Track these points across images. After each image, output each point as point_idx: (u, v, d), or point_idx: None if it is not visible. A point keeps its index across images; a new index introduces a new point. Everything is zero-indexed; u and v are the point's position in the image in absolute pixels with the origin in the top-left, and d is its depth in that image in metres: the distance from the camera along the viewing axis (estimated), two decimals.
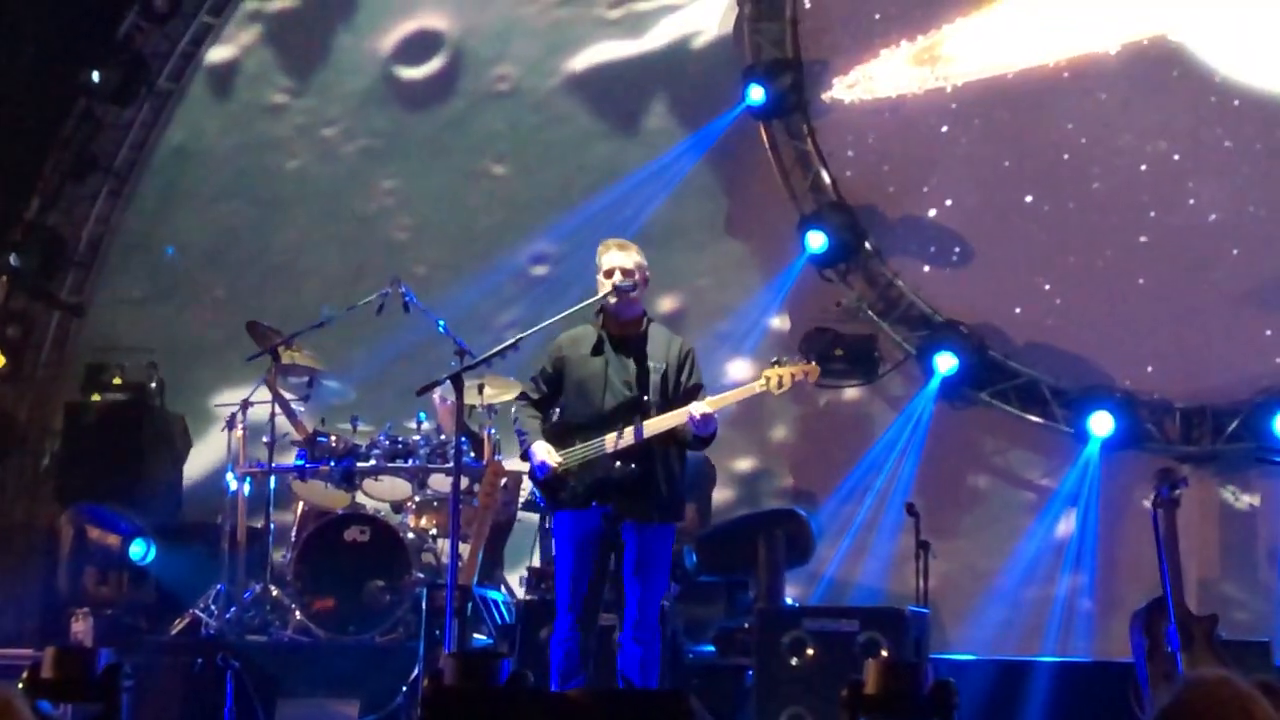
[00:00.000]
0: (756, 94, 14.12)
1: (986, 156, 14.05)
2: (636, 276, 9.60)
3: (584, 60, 14.92)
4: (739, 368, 13.56)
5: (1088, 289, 13.86)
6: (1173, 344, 13.79)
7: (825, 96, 14.31)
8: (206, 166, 15.20)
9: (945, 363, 13.82)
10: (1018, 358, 14.03)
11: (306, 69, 15.33)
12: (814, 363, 9.83)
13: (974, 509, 14.03)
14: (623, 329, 9.66)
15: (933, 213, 14.12)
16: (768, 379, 9.60)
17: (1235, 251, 13.59)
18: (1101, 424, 13.58)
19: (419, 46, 15.14)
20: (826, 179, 14.26)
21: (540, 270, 14.50)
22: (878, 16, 14.22)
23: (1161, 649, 10.71)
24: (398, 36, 15.22)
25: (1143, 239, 13.77)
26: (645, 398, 9.53)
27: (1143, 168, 13.75)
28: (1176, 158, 13.72)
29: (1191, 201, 13.67)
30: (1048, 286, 13.95)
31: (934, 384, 13.91)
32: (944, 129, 14.10)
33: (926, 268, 14.22)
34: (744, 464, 13.94)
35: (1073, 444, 13.75)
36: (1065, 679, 11.61)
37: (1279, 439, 12.94)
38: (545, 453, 9.52)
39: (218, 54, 15.45)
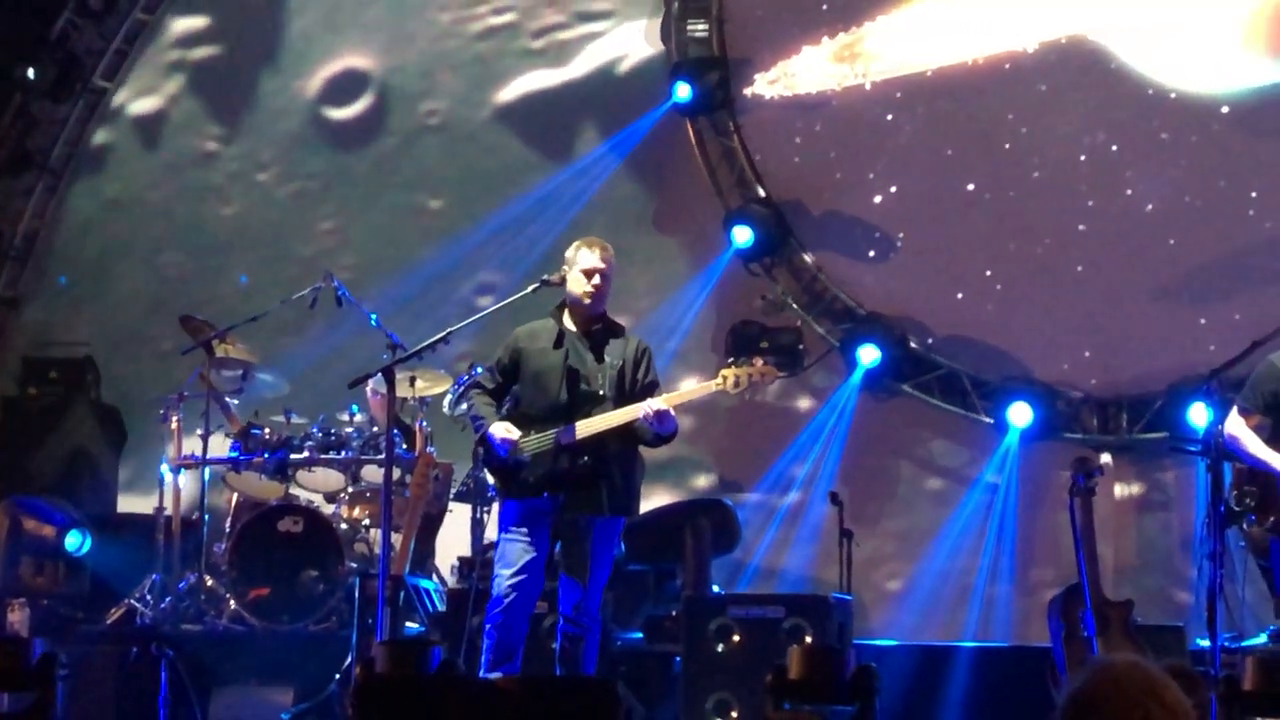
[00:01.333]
0: (683, 91, 14.14)
1: (922, 148, 14.06)
2: (610, 277, 9.64)
3: (511, 91, 14.85)
4: (666, 360, 13.55)
5: (1023, 279, 13.91)
6: (1092, 336, 13.86)
7: (749, 93, 14.33)
8: (143, 219, 14.97)
9: (868, 355, 13.88)
10: (940, 350, 14.09)
11: (234, 115, 15.19)
12: (770, 364, 9.84)
13: (896, 498, 14.08)
14: (584, 324, 9.67)
15: (877, 199, 14.10)
16: (725, 378, 9.60)
17: (1171, 242, 13.64)
18: (1020, 414, 13.66)
19: (345, 87, 15.02)
20: (751, 175, 14.28)
21: (487, 300, 14.32)
22: (800, 14, 14.23)
23: (1078, 634, 10.75)
24: (323, 78, 15.10)
25: (1081, 228, 13.81)
26: (601, 392, 9.54)
27: (1081, 158, 13.81)
28: (1115, 149, 13.79)
29: (1129, 191, 13.74)
30: (989, 272, 13.97)
31: (857, 376, 13.96)
32: (883, 119, 14.09)
33: (850, 262, 14.26)
34: (671, 454, 13.92)
35: (992, 434, 13.82)
36: (984, 663, 11.64)
37: (1193, 429, 12.98)
38: (505, 430, 9.48)
39: (143, 106, 15.29)
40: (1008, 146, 13.89)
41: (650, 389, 9.56)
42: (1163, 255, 13.70)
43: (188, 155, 15.22)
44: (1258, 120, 13.50)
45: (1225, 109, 13.50)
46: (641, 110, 14.44)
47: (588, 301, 9.58)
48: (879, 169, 14.15)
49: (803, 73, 14.20)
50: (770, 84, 14.28)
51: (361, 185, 14.78)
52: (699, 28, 14.34)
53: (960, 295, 14.06)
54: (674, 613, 11.84)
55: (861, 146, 14.21)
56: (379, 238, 14.78)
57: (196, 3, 15.35)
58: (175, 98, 15.35)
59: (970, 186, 14.01)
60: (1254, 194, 13.50)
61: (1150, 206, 13.69)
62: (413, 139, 14.98)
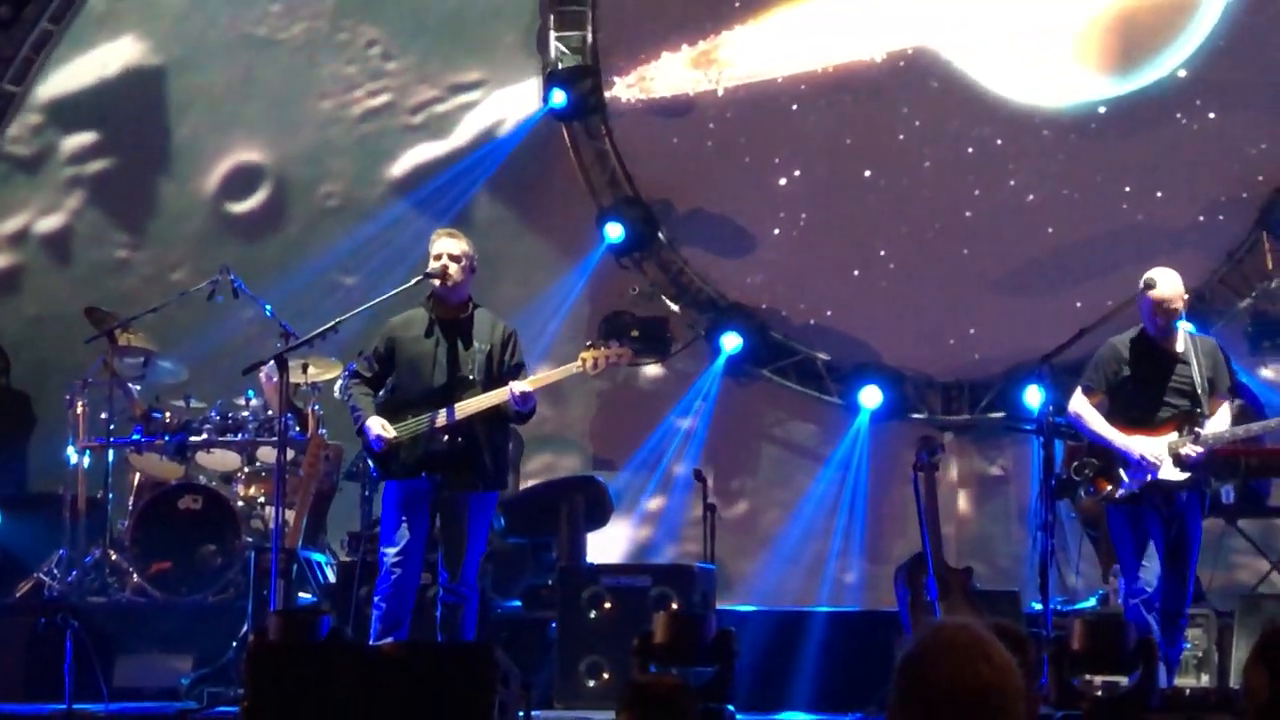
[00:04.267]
0: (558, 97, 14.14)
1: (822, 141, 14.14)
2: (464, 263, 9.63)
3: (401, 166, 14.65)
4: (545, 347, 13.53)
5: (885, 272, 14.04)
6: (936, 324, 13.99)
7: (618, 98, 14.32)
8: (64, 335, 14.11)
9: (730, 342, 13.94)
10: (797, 338, 14.16)
11: (139, 221, 14.81)
12: (625, 346, 9.88)
13: (756, 475, 14.15)
14: (451, 313, 9.67)
15: (778, 182, 14.16)
16: (584, 360, 9.66)
17: (1050, 229, 13.81)
18: (870, 397, 13.77)
19: (241, 181, 14.69)
20: (622, 175, 14.30)
21: None
22: (664, 24, 14.25)
23: (922, 599, 10.85)
24: (218, 176, 14.76)
25: (969, 213, 13.97)
26: (471, 376, 9.55)
27: (969, 150, 13.93)
28: (999, 142, 13.90)
29: (1012, 183, 13.89)
30: (856, 271, 14.05)
31: (720, 362, 14.03)
32: (755, 120, 14.15)
33: (715, 256, 14.30)
34: (548, 434, 13.93)
35: (845, 415, 13.92)
36: (837, 627, 11.71)
37: (1028, 410, 13.13)
38: (380, 427, 9.51)
39: (48, 225, 14.89)
40: (902, 137, 13.96)
41: (517, 371, 9.61)
42: (991, 250, 13.85)
43: (101, 266, 14.75)
44: (1089, 129, 13.71)
45: (1102, 110, 13.70)
46: (528, 165, 14.37)
47: (437, 282, 9.59)
48: (754, 165, 14.18)
49: (662, 78, 14.23)
50: (629, 88, 14.30)
51: (274, 271, 14.15)
52: (572, 37, 14.32)
53: (821, 285, 14.14)
54: (550, 582, 11.88)
55: (731, 146, 14.23)
56: (298, 320, 14.01)
57: (84, 119, 14.91)
58: (78, 212, 14.93)
59: (867, 173, 14.06)
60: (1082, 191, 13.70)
61: (1030, 198, 13.83)
62: (316, 222, 14.69)
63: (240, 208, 14.82)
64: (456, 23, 14.58)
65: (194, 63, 14.81)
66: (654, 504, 13.81)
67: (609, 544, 13.36)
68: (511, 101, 14.50)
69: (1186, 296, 9.70)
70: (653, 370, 14.26)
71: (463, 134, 14.54)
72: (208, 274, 13.23)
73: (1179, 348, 9.64)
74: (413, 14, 14.63)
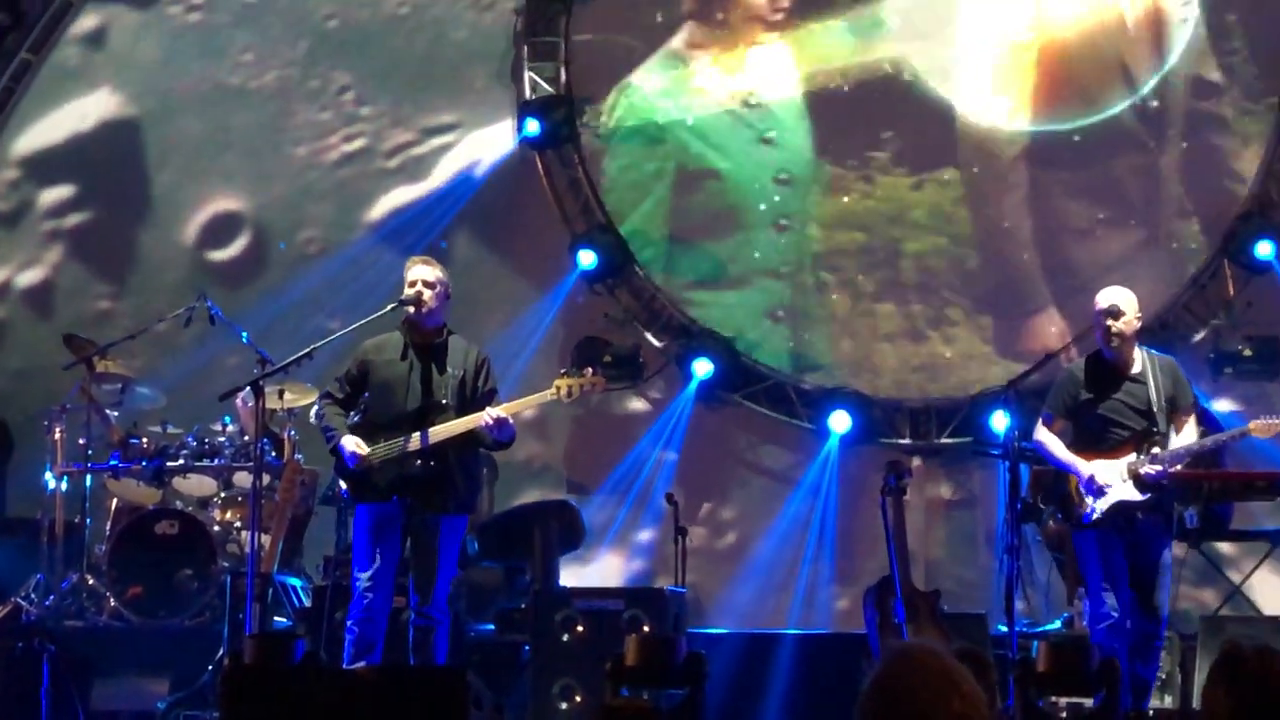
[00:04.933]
0: (532, 126, 14.13)
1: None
2: (438, 289, 9.62)
3: (379, 209, 14.55)
4: (519, 372, 13.48)
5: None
6: (907, 350, 13.99)
7: (592, 126, 14.31)
8: (49, 388, 13.79)
9: (702, 368, 13.92)
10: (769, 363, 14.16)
11: (120, 273, 14.66)
12: (599, 374, 9.87)
13: (727, 498, 14.12)
14: (425, 338, 9.65)
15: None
16: (558, 388, 9.64)
17: (1023, 255, 13.84)
18: (840, 421, 13.76)
19: (221, 230, 14.56)
20: (595, 203, 14.28)
21: None
22: (636, 54, 14.25)
23: (890, 621, 10.83)
24: (197, 225, 14.63)
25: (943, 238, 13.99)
26: (444, 401, 9.53)
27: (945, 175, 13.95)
28: (975, 170, 13.95)
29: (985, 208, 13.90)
30: (834, 296, 14.07)
31: (692, 387, 14.00)
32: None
33: (688, 282, 14.30)
34: (521, 458, 13.87)
35: (815, 439, 13.90)
36: (807, 649, 11.67)
37: (995, 434, 13.12)
38: (355, 444, 9.49)
39: (28, 278, 14.76)
40: (874, 161, 13.99)
41: (490, 397, 9.58)
42: (981, 273, 13.86)
43: (83, 318, 14.46)
44: (1061, 156, 13.76)
45: (1076, 138, 13.74)
46: (502, 197, 14.32)
47: (412, 310, 9.55)
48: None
49: (633, 106, 14.26)
50: (605, 119, 14.31)
51: (256, 317, 13.89)
52: (546, 68, 14.31)
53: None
54: (523, 605, 11.82)
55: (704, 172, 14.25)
56: (278, 346, 13.67)
57: (61, 172, 14.79)
58: (58, 265, 14.79)
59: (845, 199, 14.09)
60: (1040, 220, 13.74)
61: (1005, 224, 13.86)
62: (296, 268, 14.54)
63: (220, 255, 14.68)
64: (428, 67, 14.53)
65: (169, 114, 14.72)
66: (627, 527, 13.76)
67: (582, 567, 13.33)
68: (486, 142, 14.45)
69: (1137, 317, 9.67)
70: (625, 396, 14.23)
71: (439, 176, 14.48)
72: (194, 339, 13.22)
73: (1135, 369, 9.64)
74: (384, 59, 14.57)
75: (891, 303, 13.98)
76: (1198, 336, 13.51)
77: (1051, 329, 13.52)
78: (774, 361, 14.13)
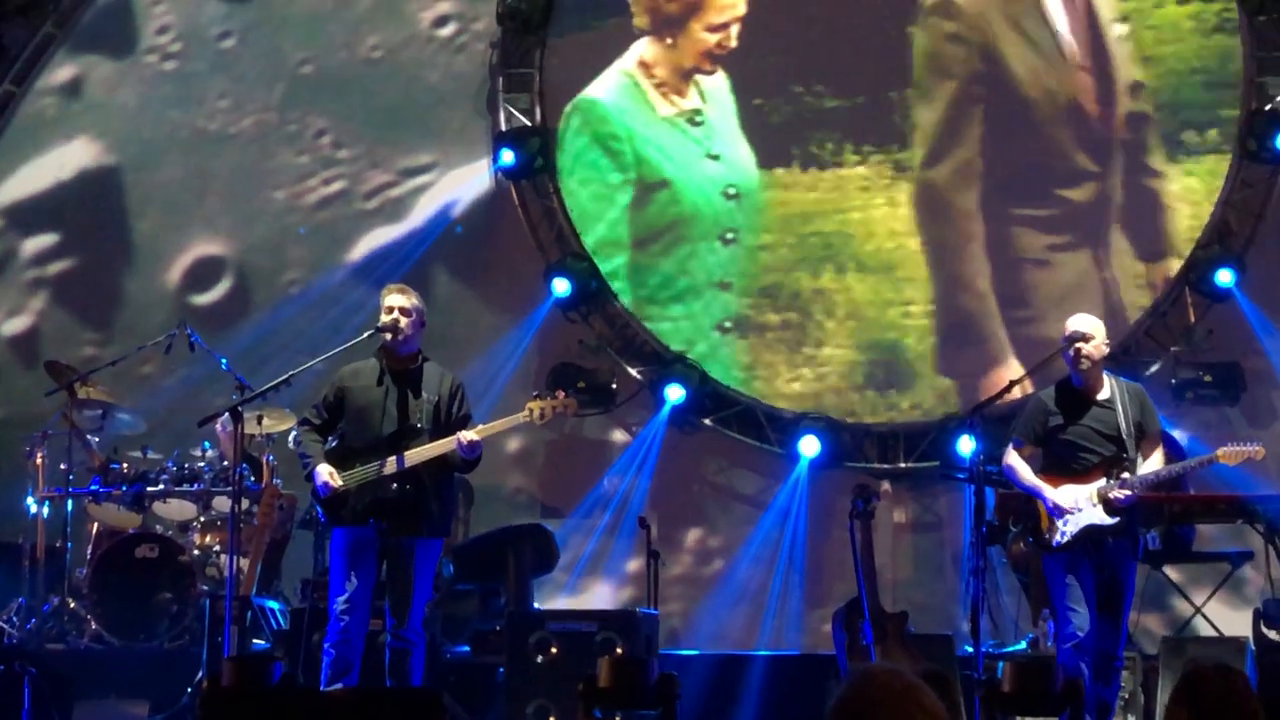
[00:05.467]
0: (507, 157, 14.15)
1: None
2: (414, 316, 9.63)
3: (360, 250, 14.54)
4: (495, 398, 13.47)
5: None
6: (875, 376, 14.01)
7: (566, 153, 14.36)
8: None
9: (674, 393, 13.95)
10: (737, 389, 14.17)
11: (105, 318, 14.56)
12: (570, 396, 9.88)
13: (699, 521, 14.14)
14: (400, 364, 9.66)
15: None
16: (530, 410, 9.65)
17: (987, 282, 13.86)
18: (810, 446, 13.78)
19: (204, 274, 14.48)
20: (569, 231, 14.29)
21: None
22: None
23: (859, 643, 10.84)
24: (180, 270, 14.58)
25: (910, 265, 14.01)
26: (420, 425, 9.53)
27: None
28: None
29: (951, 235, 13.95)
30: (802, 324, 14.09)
31: (664, 412, 14.02)
32: None
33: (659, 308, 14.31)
34: (496, 482, 13.85)
35: (785, 463, 13.92)
36: (777, 670, 11.69)
37: (961, 458, 13.16)
38: (328, 474, 9.48)
39: (14, 326, 14.70)
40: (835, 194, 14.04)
41: (464, 421, 9.58)
42: (948, 300, 13.90)
43: (70, 364, 13.79)
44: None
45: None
46: (482, 236, 14.34)
47: (389, 336, 9.56)
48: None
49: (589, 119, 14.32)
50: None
51: (245, 358, 13.82)
52: (520, 99, 14.34)
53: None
54: (498, 627, 11.84)
55: None
56: (278, 398, 13.78)
57: (44, 221, 14.73)
58: (43, 313, 14.75)
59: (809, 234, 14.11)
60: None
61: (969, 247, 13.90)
62: (280, 308, 14.46)
63: (204, 299, 14.61)
64: (403, 109, 14.54)
65: (148, 161, 14.70)
66: (600, 550, 13.76)
67: (555, 589, 13.33)
68: (463, 180, 14.46)
69: (1105, 343, 9.70)
70: (599, 421, 14.23)
71: (418, 216, 14.46)
72: (175, 365, 13.18)
73: (1103, 395, 9.66)
74: (360, 103, 14.57)
75: (863, 326, 14.01)
76: (1159, 364, 13.56)
77: (1019, 356, 13.54)
78: (724, 376, 14.13)
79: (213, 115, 14.64)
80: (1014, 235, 13.84)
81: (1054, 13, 13.79)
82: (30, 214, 14.74)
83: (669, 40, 14.29)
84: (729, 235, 14.22)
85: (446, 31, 14.56)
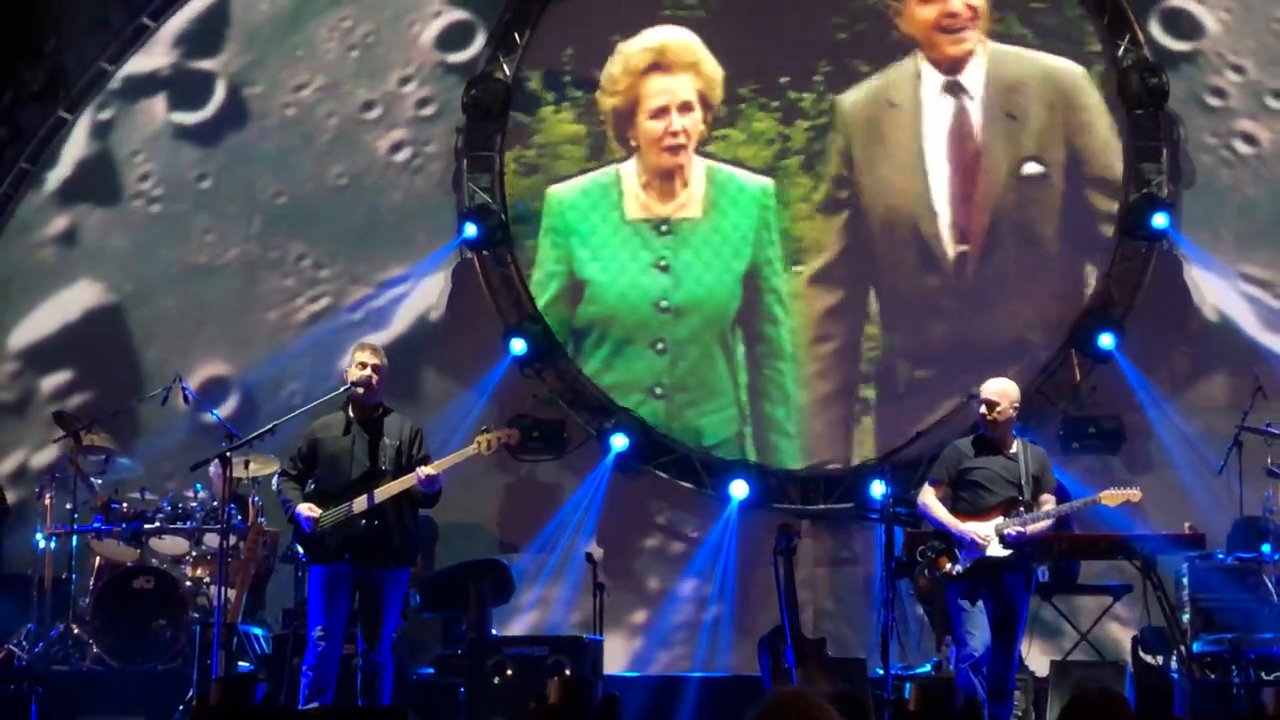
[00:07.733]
0: (471, 230, 14.21)
1: None
2: (382, 373, 9.84)
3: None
4: (457, 444, 13.39)
5: None
6: (798, 426, 14.14)
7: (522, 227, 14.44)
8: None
9: (619, 442, 14.00)
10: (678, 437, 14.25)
11: (126, 442, 13.71)
12: (513, 428, 10.06)
13: (640, 556, 14.15)
14: (366, 414, 9.80)
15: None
16: (479, 443, 9.83)
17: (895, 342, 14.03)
18: (739, 489, 13.85)
19: (211, 393, 14.12)
20: (525, 297, 14.37)
21: None
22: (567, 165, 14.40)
23: (782, 666, 10.96)
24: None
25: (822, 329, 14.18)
26: (384, 467, 9.67)
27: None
28: None
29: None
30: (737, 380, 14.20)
31: (610, 458, 14.06)
32: None
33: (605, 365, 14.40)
34: (458, 521, 13.86)
35: (717, 504, 13.96)
36: (709, 690, 11.77)
37: (875, 500, 13.25)
38: (308, 509, 9.62)
39: (39, 460, 14.25)
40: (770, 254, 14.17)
41: (423, 462, 9.72)
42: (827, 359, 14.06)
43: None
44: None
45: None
46: (464, 343, 14.34)
47: (361, 390, 9.69)
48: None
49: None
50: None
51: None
52: (482, 178, 14.43)
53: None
54: (459, 651, 11.87)
55: None
56: (263, 445, 13.41)
57: (57, 360, 14.48)
58: (69, 443, 13.99)
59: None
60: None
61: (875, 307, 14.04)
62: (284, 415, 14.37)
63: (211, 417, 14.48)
64: (373, 229, 14.43)
65: (146, 296, 14.51)
66: (552, 583, 13.77)
67: (512, 617, 13.37)
68: (436, 287, 14.43)
69: (1014, 401, 9.98)
70: (551, 466, 14.30)
71: (400, 323, 14.34)
72: (170, 416, 13.14)
73: (1011, 450, 9.96)
74: (333, 226, 14.43)
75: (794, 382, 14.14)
76: (1049, 416, 13.74)
77: (925, 409, 13.62)
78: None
79: (200, 249, 14.47)
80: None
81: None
82: (44, 355, 14.50)
83: (633, 141, 14.35)
84: (659, 345, 14.24)
85: (402, 157, 14.48)
